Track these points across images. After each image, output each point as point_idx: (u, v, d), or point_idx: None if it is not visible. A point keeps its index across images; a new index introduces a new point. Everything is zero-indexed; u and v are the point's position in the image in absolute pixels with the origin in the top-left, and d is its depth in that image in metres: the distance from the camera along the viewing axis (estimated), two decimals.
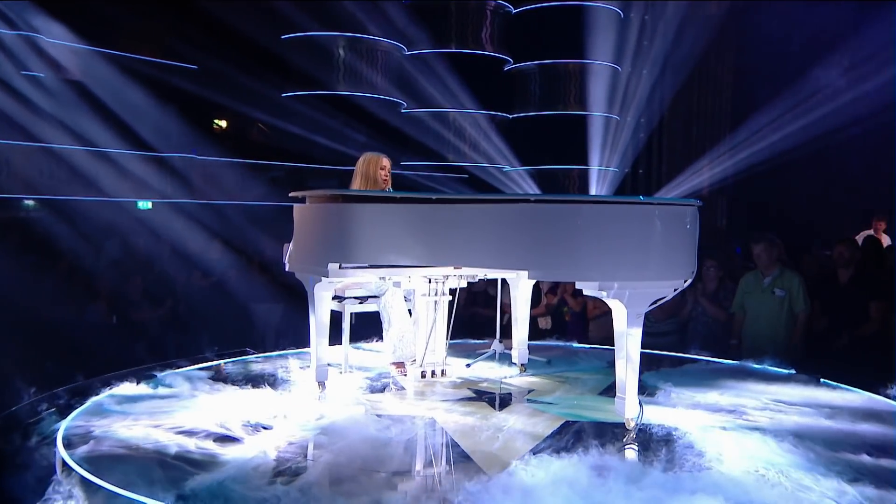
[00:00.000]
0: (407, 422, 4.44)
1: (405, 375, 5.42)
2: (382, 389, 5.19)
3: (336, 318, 5.40)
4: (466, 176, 14.37)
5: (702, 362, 6.17)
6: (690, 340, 7.16)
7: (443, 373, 5.40)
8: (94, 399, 4.87)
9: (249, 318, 8.87)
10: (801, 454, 3.87)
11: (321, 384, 5.03)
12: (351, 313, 5.65)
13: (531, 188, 13.99)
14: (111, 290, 8.38)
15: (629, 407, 4.25)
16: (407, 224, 4.55)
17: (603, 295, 4.16)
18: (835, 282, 6.98)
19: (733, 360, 6.27)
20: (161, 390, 5.08)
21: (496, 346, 5.89)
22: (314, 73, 13.72)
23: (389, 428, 4.28)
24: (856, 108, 13.35)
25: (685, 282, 4.31)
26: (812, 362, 6.11)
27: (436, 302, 5.30)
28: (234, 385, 5.21)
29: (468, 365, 5.72)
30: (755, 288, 6.80)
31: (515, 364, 5.70)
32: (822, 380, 5.38)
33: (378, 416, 4.56)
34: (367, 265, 4.82)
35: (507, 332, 5.95)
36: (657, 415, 4.48)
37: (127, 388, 5.11)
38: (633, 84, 15.17)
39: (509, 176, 14.34)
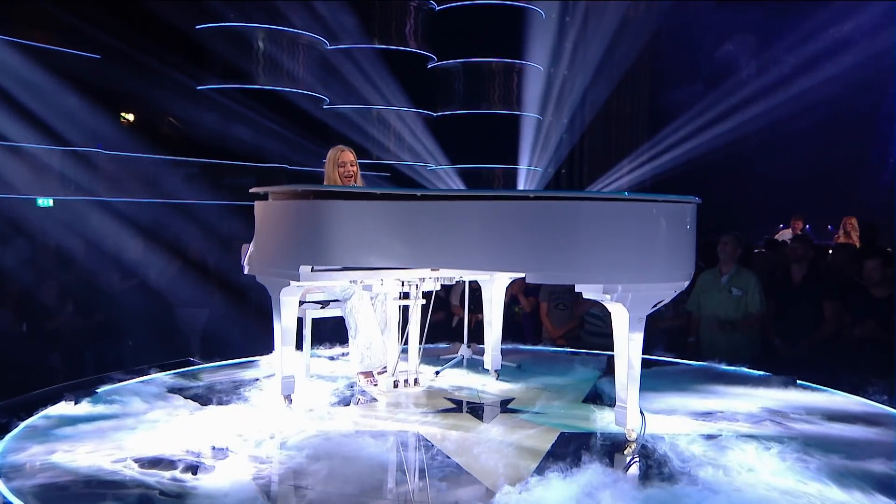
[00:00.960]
0: (391, 437, 4.09)
1: (375, 385, 5.05)
2: (351, 401, 4.79)
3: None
4: (388, 174, 14.04)
5: (667, 364, 5.99)
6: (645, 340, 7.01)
7: (416, 382, 5.06)
8: (27, 422, 4.30)
9: (175, 324, 8.30)
10: (819, 464, 3.70)
11: (287, 398, 4.62)
12: (311, 319, 5.25)
13: (457, 186, 13.76)
14: (19, 294, 7.67)
15: (630, 418, 4.00)
16: (388, 223, 4.18)
17: (605, 298, 3.90)
18: (788, 280, 6.96)
19: (696, 361, 6.15)
20: (105, 409, 4.56)
21: (464, 351, 5.58)
22: (232, 65, 13.14)
23: (376, 445, 3.92)
24: (773, 110, 13.67)
25: (685, 283, 4.10)
26: (773, 363, 6.05)
27: (409, 306, 4.94)
28: (190, 400, 4.73)
29: (437, 373, 5.40)
30: (712, 286, 6.71)
31: (488, 370, 5.39)
32: (797, 381, 5.28)
33: (357, 431, 4.18)
34: (340, 267, 4.44)
35: (474, 337, 5.67)
36: (653, 425, 4.23)
37: (63, 407, 4.57)
38: (556, 85, 15.14)
39: (435, 174, 14.06)
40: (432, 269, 4.73)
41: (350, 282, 4.72)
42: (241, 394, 4.91)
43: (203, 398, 4.78)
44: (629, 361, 3.99)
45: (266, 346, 6.05)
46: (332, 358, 5.94)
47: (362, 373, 5.10)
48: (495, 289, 5.31)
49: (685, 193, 3.98)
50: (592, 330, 7.07)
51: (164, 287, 8.18)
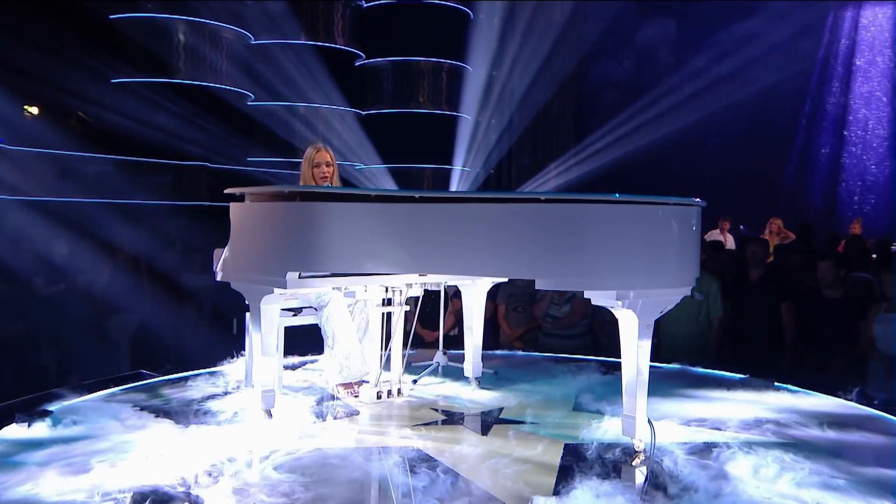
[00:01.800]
0: (394, 454, 3.85)
1: (356, 397, 4.79)
2: (329, 415, 4.51)
3: None
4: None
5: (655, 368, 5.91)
6: (601, 341, 6.98)
7: (399, 392, 4.82)
8: None
9: (105, 332, 7.79)
10: (828, 471, 3.66)
11: (268, 412, 4.32)
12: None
13: (390, 186, 13.53)
14: None
15: (640, 427, 3.87)
16: (385, 226, 3.95)
17: (617, 305, 3.76)
18: (744, 283, 7.01)
19: (664, 363, 6.12)
20: (67, 431, 4.16)
21: (439, 357, 5.38)
22: (150, 58, 12.53)
23: (380, 464, 3.69)
24: (698, 112, 13.94)
25: (689, 288, 4.02)
26: (734, 364, 6.08)
27: (392, 313, 4.71)
28: (164, 419, 4.37)
29: (415, 381, 5.17)
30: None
31: (469, 378, 5.20)
32: (775, 384, 5.29)
33: (355, 448, 3.93)
34: (329, 274, 4.18)
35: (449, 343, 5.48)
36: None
37: (15, 430, 4.14)
38: (486, 86, 15.06)
39: (363, 174, 13.78)
40: (420, 275, 4.52)
41: (333, 288, 4.45)
42: (215, 409, 4.57)
43: (176, 415, 4.43)
44: (638, 369, 3.86)
45: (217, 353, 5.77)
46: (291, 367, 5.63)
47: (342, 384, 4.84)
48: (476, 294, 5.12)
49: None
50: (550, 332, 6.98)
51: (93, 292, 7.68)
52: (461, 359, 5.29)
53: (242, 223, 4.33)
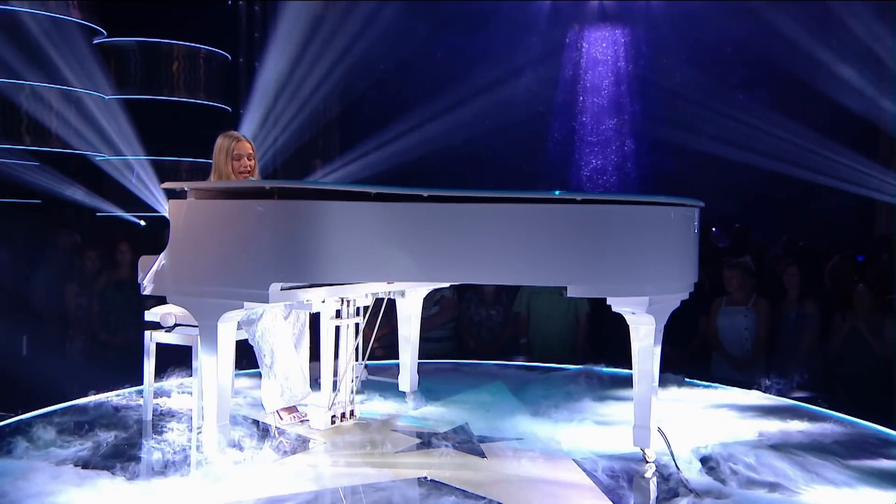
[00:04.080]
0: (415, 487, 3.38)
1: (302, 423, 4.19)
2: (285, 449, 3.88)
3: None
4: (37, 163, 12.06)
5: (545, 370, 5.84)
6: (468, 344, 6.82)
7: (352, 413, 4.28)
8: None
9: None
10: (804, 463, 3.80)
11: (238, 446, 3.64)
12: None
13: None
14: None
15: (653, 438, 3.75)
16: (389, 229, 3.45)
17: (639, 311, 3.62)
18: None
19: (541, 363, 6.13)
20: None
21: (358, 372, 4.86)
22: None
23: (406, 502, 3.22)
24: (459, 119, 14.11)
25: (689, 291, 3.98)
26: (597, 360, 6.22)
27: (347, 326, 4.17)
28: (93, 470, 3.48)
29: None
30: (542, 288, 6.70)
31: (405, 392, 4.76)
32: (685, 379, 5.44)
33: (360, 486, 3.40)
34: (307, 284, 3.60)
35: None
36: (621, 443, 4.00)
37: None
38: (245, 76, 14.18)
39: (111, 164, 12.37)
40: (388, 283, 4.05)
41: (305, 300, 3.83)
42: (147, 450, 3.75)
43: (100, 462, 3.57)
44: (652, 376, 3.74)
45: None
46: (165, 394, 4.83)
47: (284, 409, 4.20)
48: (413, 302, 4.70)
49: None
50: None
51: None
52: (380, 371, 4.86)
53: (192, 225, 3.58)
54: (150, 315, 4.29)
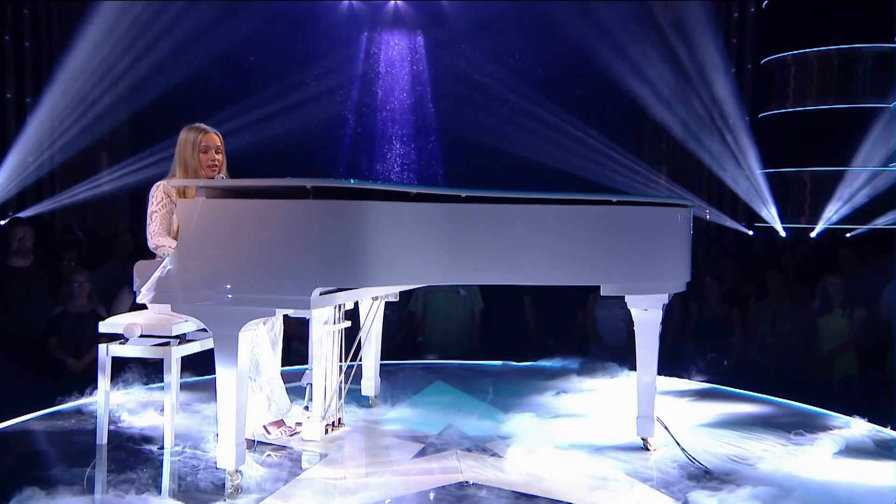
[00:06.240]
0: (457, 494, 3.29)
1: (292, 436, 3.91)
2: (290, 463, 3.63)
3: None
4: None
5: (469, 368, 5.83)
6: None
7: (340, 422, 4.06)
8: None
9: None
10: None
11: (238, 472, 3.33)
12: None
13: None
14: None
15: (656, 427, 3.93)
16: (430, 230, 3.34)
17: (655, 307, 3.78)
18: None
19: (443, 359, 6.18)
20: None
21: (309, 377, 4.59)
22: None
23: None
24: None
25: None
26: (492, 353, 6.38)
27: (339, 331, 3.95)
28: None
29: (307, 408, 4.36)
30: (438, 287, 6.70)
31: (367, 397, 4.58)
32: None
33: (414, 496, 3.27)
34: (335, 289, 3.39)
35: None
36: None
37: None
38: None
39: None
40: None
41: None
42: (143, 478, 3.36)
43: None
44: (654, 368, 3.91)
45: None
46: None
47: (272, 423, 3.90)
48: (375, 304, 4.50)
49: None
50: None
51: None
52: None
53: (211, 227, 3.22)
54: (108, 326, 3.83)
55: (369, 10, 15.05)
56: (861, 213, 11.03)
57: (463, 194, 3.42)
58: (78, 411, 4.49)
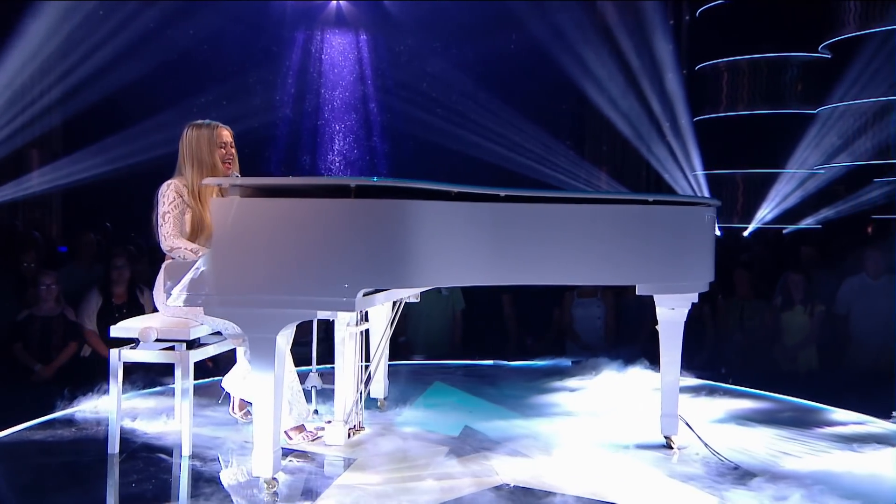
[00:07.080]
0: (501, 499, 3.23)
1: (314, 441, 3.79)
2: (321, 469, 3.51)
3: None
4: None
5: (450, 366, 5.77)
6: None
7: (360, 425, 3.94)
8: None
9: None
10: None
11: (275, 480, 3.20)
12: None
13: None
14: None
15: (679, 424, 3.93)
16: (472, 229, 3.27)
17: (682, 306, 3.78)
18: None
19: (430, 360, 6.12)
20: None
21: (314, 380, 4.47)
22: None
23: None
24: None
25: None
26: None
27: (361, 333, 3.84)
28: None
29: (316, 412, 4.24)
30: None
31: (376, 399, 4.47)
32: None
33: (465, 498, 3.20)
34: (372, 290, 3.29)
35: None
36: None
37: None
38: None
39: None
40: None
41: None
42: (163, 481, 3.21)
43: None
44: (678, 366, 3.91)
45: None
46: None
47: (294, 428, 3.76)
48: (384, 305, 4.38)
49: None
50: None
51: None
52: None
53: (247, 226, 3.08)
54: (119, 331, 3.64)
55: (311, 9, 14.91)
56: (791, 214, 11.45)
57: (502, 193, 3.36)
58: (69, 420, 4.26)
